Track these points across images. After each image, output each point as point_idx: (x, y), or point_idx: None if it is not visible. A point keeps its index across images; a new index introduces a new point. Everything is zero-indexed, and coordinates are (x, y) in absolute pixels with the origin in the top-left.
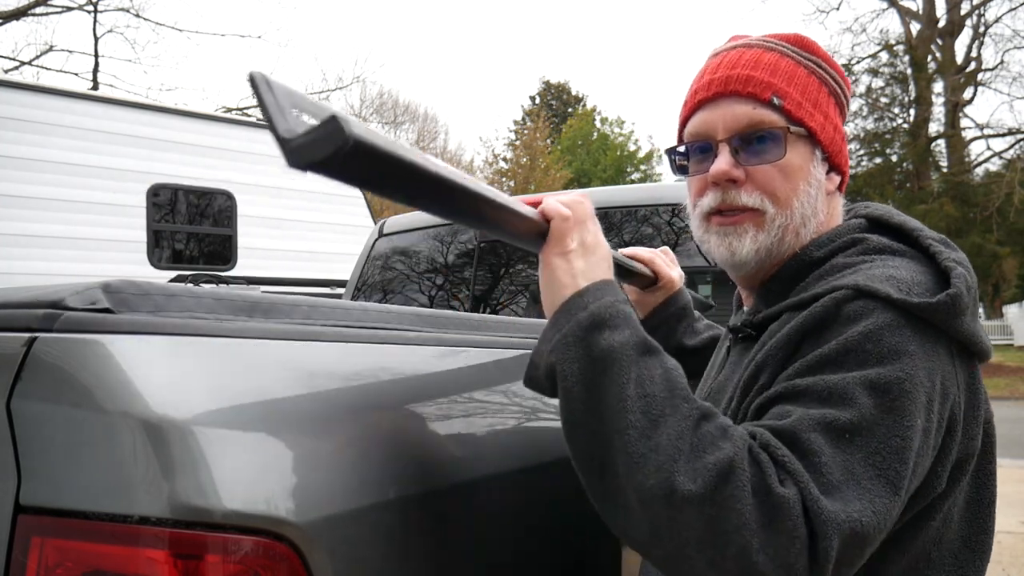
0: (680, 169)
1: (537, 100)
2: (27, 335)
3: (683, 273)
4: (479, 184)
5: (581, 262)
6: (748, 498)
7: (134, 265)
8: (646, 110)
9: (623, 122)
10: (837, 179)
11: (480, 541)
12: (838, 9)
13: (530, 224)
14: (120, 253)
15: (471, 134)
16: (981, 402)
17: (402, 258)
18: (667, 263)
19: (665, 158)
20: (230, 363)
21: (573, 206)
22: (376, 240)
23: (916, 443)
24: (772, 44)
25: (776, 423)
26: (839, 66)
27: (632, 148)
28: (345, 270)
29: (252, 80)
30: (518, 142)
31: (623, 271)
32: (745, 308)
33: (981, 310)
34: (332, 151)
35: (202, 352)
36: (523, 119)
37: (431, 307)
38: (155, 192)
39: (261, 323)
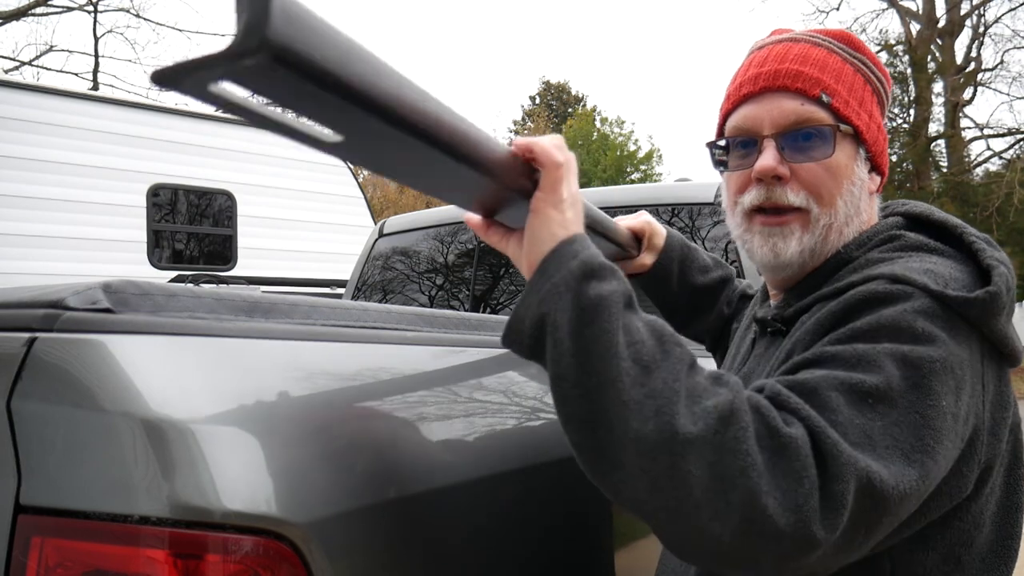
0: (719, 164)
1: (537, 100)
2: (27, 335)
3: (649, 215)
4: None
5: (571, 212)
6: (752, 439)
7: (134, 265)
8: (646, 110)
9: (623, 122)
10: (878, 179)
11: (480, 541)
12: (838, 9)
13: (520, 170)
14: (120, 253)
15: None
16: (1009, 405)
17: (402, 258)
18: (630, 218)
19: (706, 153)
20: (230, 363)
21: (566, 153)
22: (376, 240)
23: (940, 424)
24: (819, 40)
25: (793, 378)
26: (883, 65)
27: (632, 148)
28: (345, 270)
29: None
30: None
31: (612, 234)
32: (772, 301)
33: None
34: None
35: (202, 352)
36: (523, 119)
37: (431, 307)
38: (155, 192)
39: (261, 323)
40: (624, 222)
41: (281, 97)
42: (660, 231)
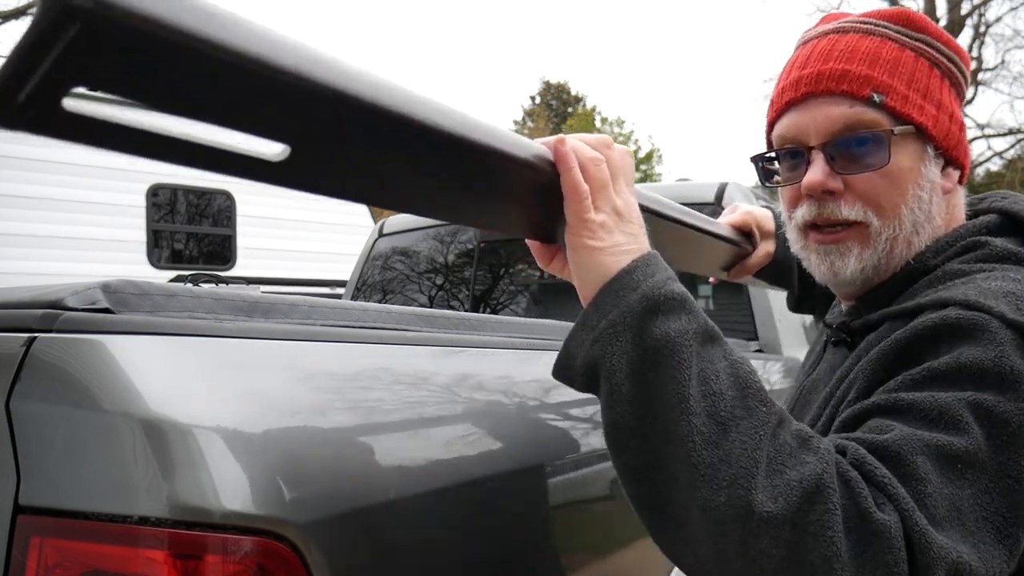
0: (767, 175)
1: (537, 100)
2: (26, 335)
3: (746, 205)
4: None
5: (620, 235)
6: (839, 523)
7: (134, 265)
8: (646, 110)
9: (623, 122)
10: (956, 174)
11: (480, 541)
12: (838, 9)
13: (544, 175)
14: (120, 253)
15: None
16: None
17: (402, 258)
18: (742, 213)
19: (753, 168)
20: (230, 363)
21: (590, 170)
22: (376, 240)
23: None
24: (871, 26)
25: (875, 437)
26: (954, 41)
27: (632, 148)
28: (345, 270)
29: None
30: None
31: (725, 237)
32: (843, 306)
33: None
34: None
35: (202, 352)
36: (523, 119)
37: (431, 307)
38: (155, 192)
39: (261, 323)
40: (724, 220)
41: (162, 96)
42: (765, 215)
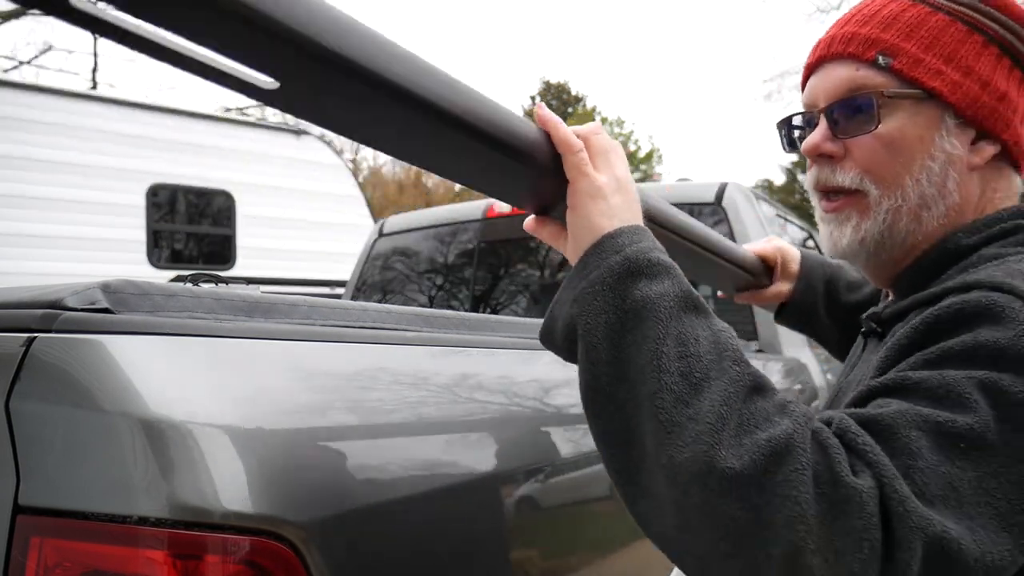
0: (789, 142)
1: (537, 100)
2: (26, 335)
3: (781, 240)
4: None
5: (617, 199)
6: (808, 485)
7: (134, 265)
8: (646, 110)
9: (623, 122)
10: (992, 149)
11: (480, 541)
12: (838, 9)
13: (540, 154)
14: (120, 253)
15: None
16: None
17: (402, 258)
18: (773, 247)
19: (777, 134)
20: (230, 363)
21: (588, 136)
22: (376, 240)
23: None
24: None
25: (869, 411)
26: (1015, 6)
27: (632, 148)
28: (345, 270)
29: None
30: None
31: (739, 261)
32: (889, 298)
33: None
34: None
35: (202, 352)
36: None
37: (431, 307)
38: (155, 192)
39: (261, 323)
40: (752, 247)
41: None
42: (793, 256)
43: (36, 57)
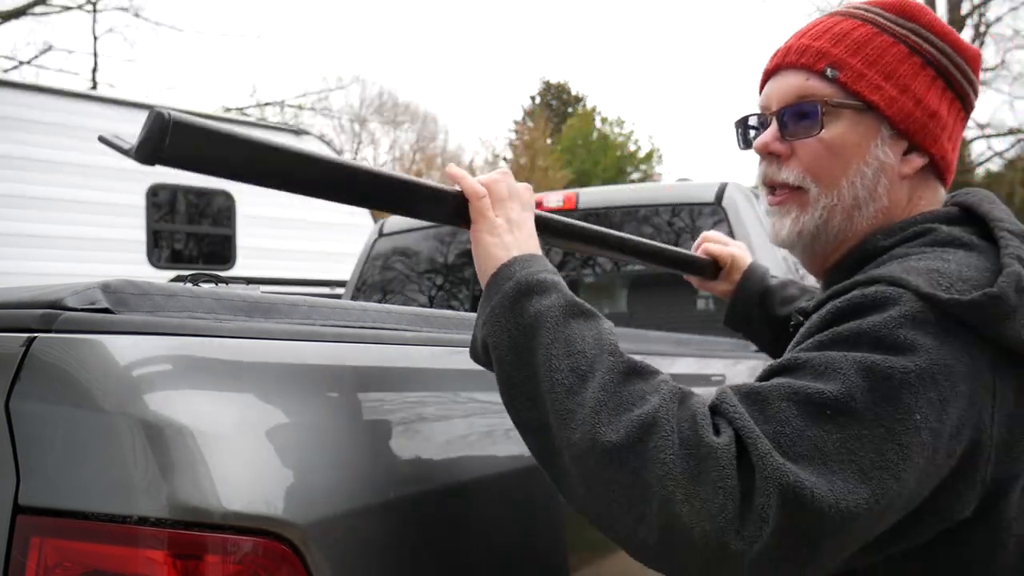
0: (744, 140)
1: (537, 100)
2: (26, 335)
3: (742, 244)
4: (372, 169)
5: (509, 236)
6: (673, 448)
7: (134, 265)
8: (646, 110)
9: (623, 122)
10: (921, 161)
11: (480, 541)
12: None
13: (447, 204)
14: (120, 253)
15: (471, 134)
16: None
17: (402, 258)
18: (721, 243)
19: (733, 132)
20: (230, 363)
21: (490, 184)
22: (376, 240)
23: (909, 440)
24: (857, 11)
25: (751, 384)
26: (954, 36)
27: (632, 148)
28: (345, 270)
29: (103, 140)
30: (518, 142)
31: (683, 262)
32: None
33: None
34: (159, 130)
35: (202, 352)
36: (523, 119)
37: (431, 307)
38: (155, 192)
39: (261, 323)
40: (712, 245)
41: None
42: (742, 264)
43: (36, 57)
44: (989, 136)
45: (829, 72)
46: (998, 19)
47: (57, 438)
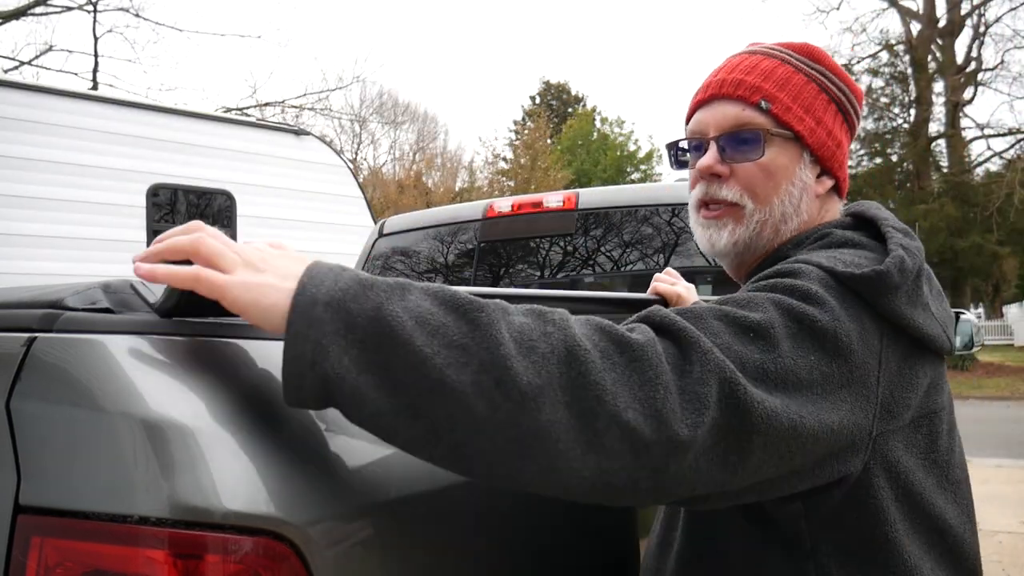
0: (680, 164)
1: (537, 100)
2: (27, 335)
3: (691, 286)
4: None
5: (269, 275)
6: (597, 367)
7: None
8: (646, 110)
9: (623, 122)
10: (829, 183)
11: (481, 541)
12: (838, 9)
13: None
14: (120, 253)
15: (471, 134)
16: (916, 388)
17: (402, 258)
18: (670, 282)
19: (665, 153)
20: (230, 363)
21: (193, 247)
22: (376, 240)
23: (809, 377)
24: (775, 51)
25: (681, 307)
26: (848, 77)
27: (632, 148)
28: None
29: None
30: (518, 142)
31: (630, 303)
32: None
33: (981, 310)
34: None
35: (202, 352)
36: (523, 119)
37: None
38: (155, 192)
39: None
40: (661, 284)
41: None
42: (689, 297)
43: (37, 57)
44: (988, 136)
45: (763, 104)
46: (998, 19)
47: (58, 438)
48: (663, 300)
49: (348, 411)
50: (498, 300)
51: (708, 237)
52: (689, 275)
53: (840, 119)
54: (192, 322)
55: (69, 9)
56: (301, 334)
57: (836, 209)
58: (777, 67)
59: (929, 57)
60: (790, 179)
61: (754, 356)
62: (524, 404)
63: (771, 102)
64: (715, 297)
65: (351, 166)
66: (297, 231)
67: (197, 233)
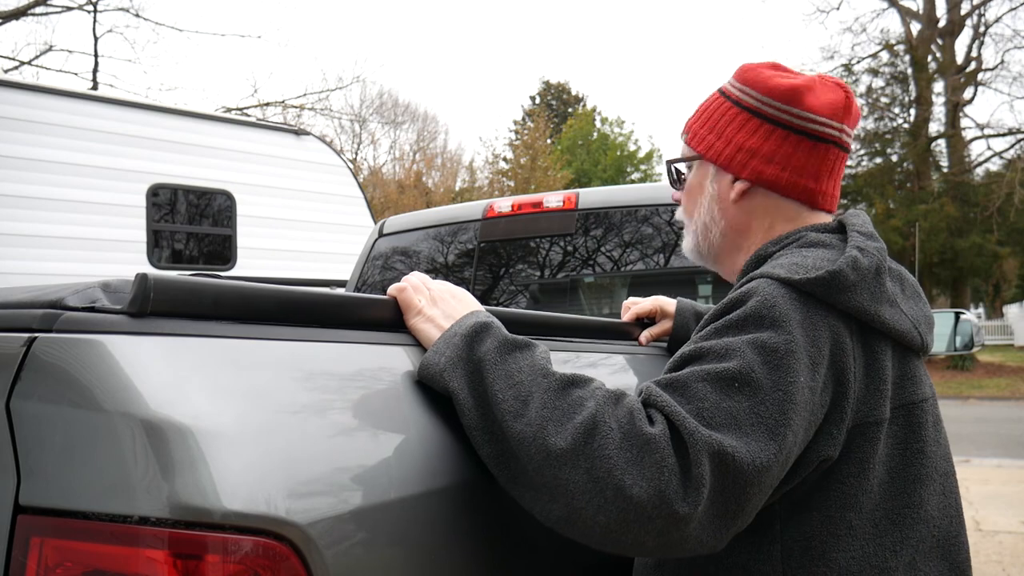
0: (682, 184)
1: (537, 100)
2: (27, 335)
3: (658, 296)
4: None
5: (436, 309)
6: (615, 443)
7: (134, 265)
8: (646, 110)
9: (623, 122)
10: (741, 186)
11: (481, 541)
12: (838, 9)
13: (382, 308)
14: (120, 253)
15: (471, 134)
16: (886, 378)
17: (402, 258)
18: (639, 301)
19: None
20: (230, 363)
21: (405, 281)
22: (376, 240)
23: (800, 398)
24: (725, 85)
25: (669, 375)
26: (768, 81)
27: (632, 148)
28: (345, 270)
29: None
30: (518, 142)
31: (614, 331)
32: None
33: (981, 310)
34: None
35: (202, 352)
36: (523, 119)
37: None
38: (155, 192)
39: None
40: (635, 307)
41: None
42: (669, 304)
43: (37, 57)
44: (988, 136)
45: (684, 138)
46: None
47: (58, 438)
48: (651, 319)
49: (461, 418)
50: (567, 373)
51: (683, 247)
52: (689, 274)
53: (757, 124)
54: (192, 322)
55: (69, 9)
56: (439, 350)
57: (791, 211)
58: (711, 100)
59: (929, 57)
60: (702, 194)
61: (743, 405)
62: (550, 461)
63: (688, 133)
64: (707, 325)
65: (351, 166)
66: (297, 231)
67: (404, 283)
